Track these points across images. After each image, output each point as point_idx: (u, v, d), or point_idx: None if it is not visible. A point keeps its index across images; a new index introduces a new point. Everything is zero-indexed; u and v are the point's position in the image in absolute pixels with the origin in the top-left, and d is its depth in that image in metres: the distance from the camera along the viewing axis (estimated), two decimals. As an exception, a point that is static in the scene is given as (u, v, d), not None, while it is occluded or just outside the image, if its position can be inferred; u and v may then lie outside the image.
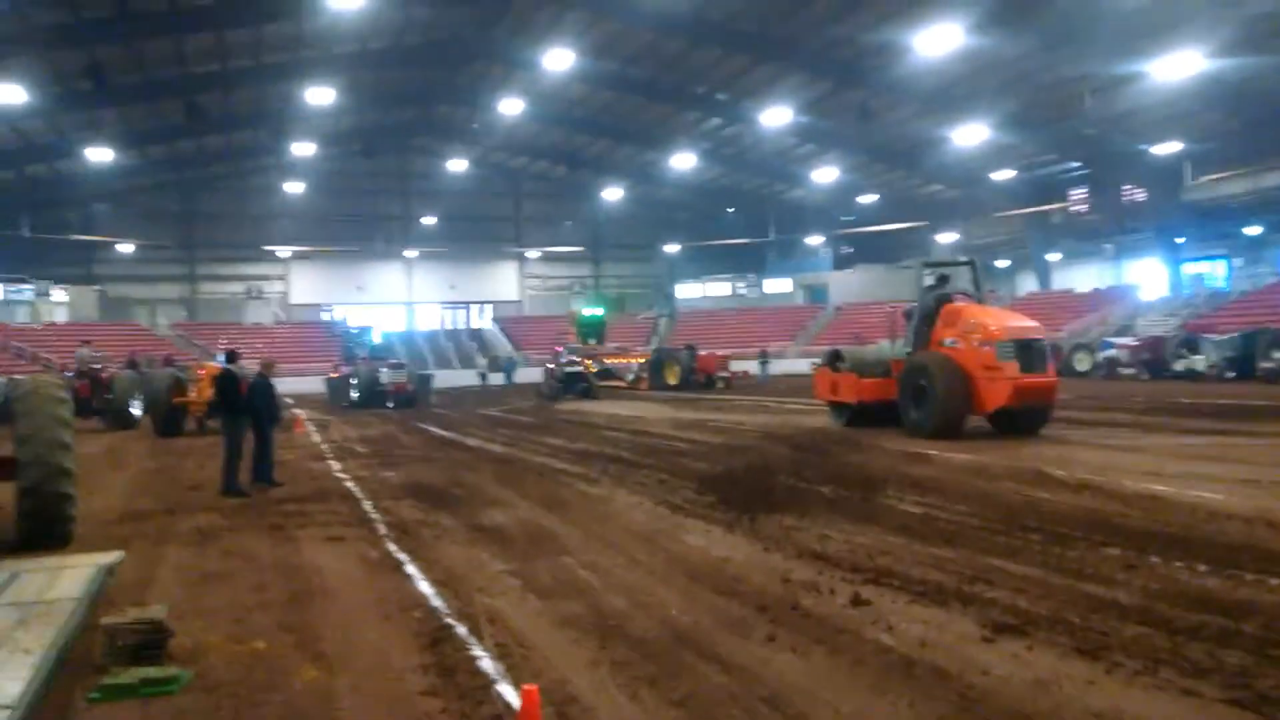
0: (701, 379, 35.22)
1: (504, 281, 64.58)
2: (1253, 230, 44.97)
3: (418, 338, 56.58)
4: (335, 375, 33.98)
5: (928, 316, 15.63)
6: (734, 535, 8.13)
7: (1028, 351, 14.24)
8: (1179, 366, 29.23)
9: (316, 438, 19.58)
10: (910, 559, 6.97)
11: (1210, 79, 32.78)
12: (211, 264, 57.64)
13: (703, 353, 37.16)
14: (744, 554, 7.42)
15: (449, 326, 61.65)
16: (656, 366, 36.92)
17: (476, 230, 60.49)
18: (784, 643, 5.22)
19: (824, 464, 11.87)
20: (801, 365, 42.31)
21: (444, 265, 61.49)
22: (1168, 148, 39.41)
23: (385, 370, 30.48)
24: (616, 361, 40.63)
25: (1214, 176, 40.76)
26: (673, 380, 35.54)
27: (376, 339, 41.43)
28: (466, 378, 44.59)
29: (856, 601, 5.90)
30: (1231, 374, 27.12)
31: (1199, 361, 28.64)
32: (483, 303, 63.69)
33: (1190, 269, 47.11)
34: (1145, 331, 36.95)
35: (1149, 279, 47.65)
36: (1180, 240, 45.05)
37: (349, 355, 36.52)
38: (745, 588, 6.39)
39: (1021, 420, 14.54)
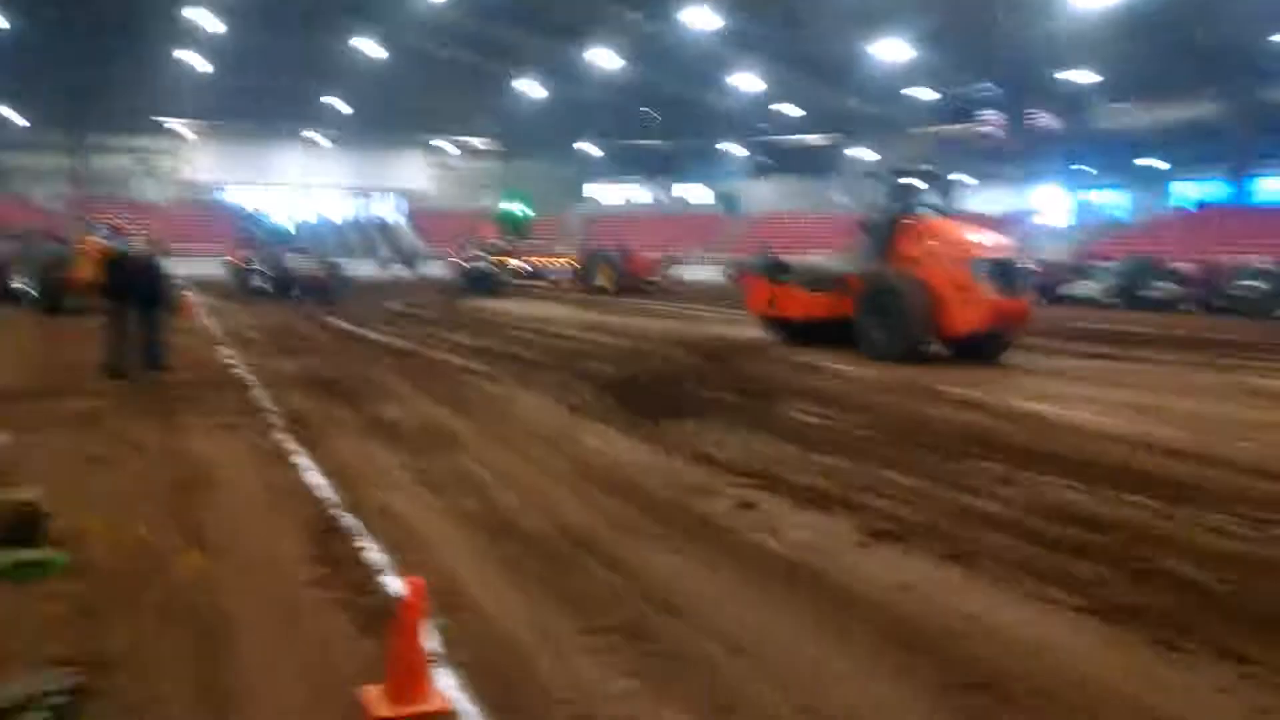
0: (633, 282, 34.42)
1: (413, 172, 62.75)
2: (1153, 162, 46.42)
3: (320, 225, 54.84)
4: (236, 261, 31.99)
5: (891, 229, 14.34)
6: (632, 439, 8.22)
7: (1004, 272, 13.39)
8: (1071, 292, 30.34)
9: (210, 323, 18.99)
10: (801, 467, 7.16)
11: (1124, 8, 33.27)
12: (100, 134, 54.43)
13: (634, 254, 36.30)
14: (641, 457, 7.52)
15: (353, 216, 59.86)
16: (587, 268, 36.02)
17: (385, 117, 58.16)
18: (672, 544, 5.34)
19: (726, 372, 12.03)
20: (710, 272, 42.68)
21: (350, 151, 59.34)
22: (1078, 75, 40.11)
23: (297, 258, 28.70)
24: (543, 261, 39.75)
25: (1118, 106, 41.75)
26: (603, 283, 34.65)
27: (287, 225, 38.75)
28: (370, 269, 43.58)
29: (745, 506, 6.06)
30: (1120, 301, 28.25)
31: (1090, 288, 29.76)
32: (389, 191, 61.89)
33: (1091, 197, 48.56)
34: (1044, 257, 38.13)
35: (1052, 205, 48.96)
36: (1083, 168, 46.25)
37: (250, 240, 34.16)
38: (639, 490, 6.49)
39: (985, 346, 13.62)
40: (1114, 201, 48.57)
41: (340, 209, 59.95)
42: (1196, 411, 9.83)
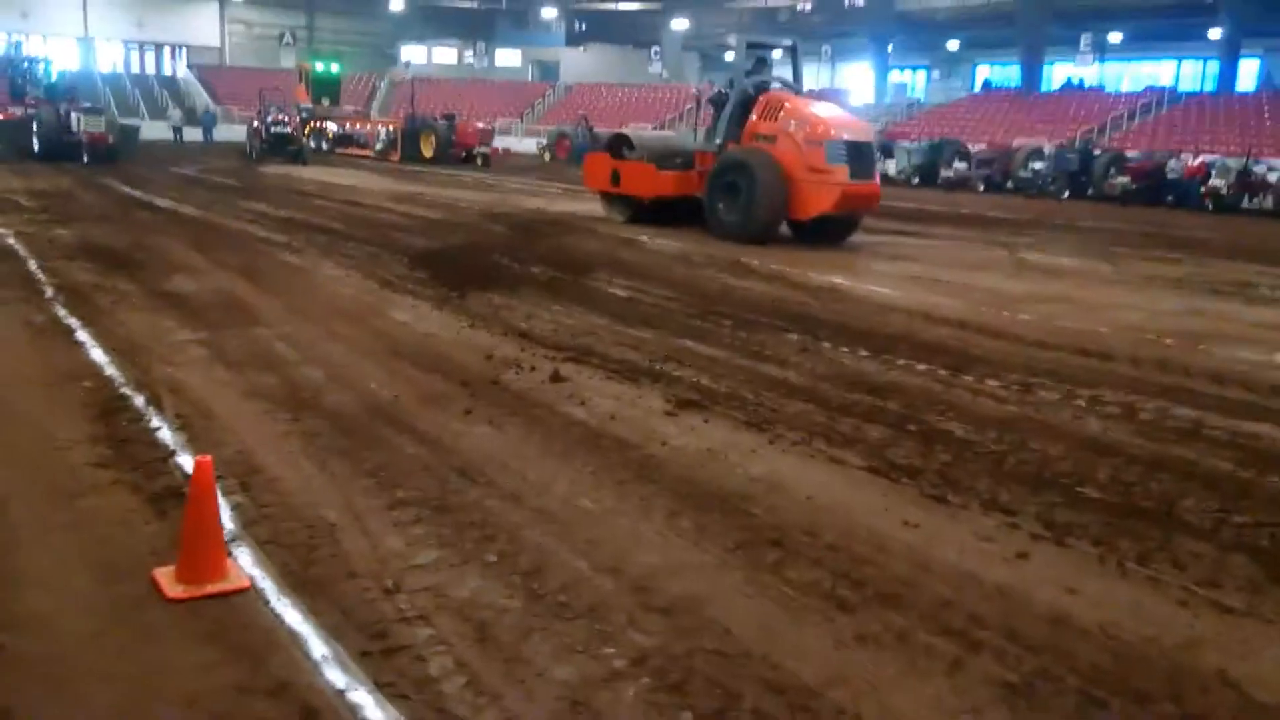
0: (460, 153, 32.40)
1: (202, 24, 57.33)
2: (952, 45, 48.18)
3: (98, 80, 49.78)
4: (4, 118, 28.05)
5: (743, 106, 13.73)
6: (442, 312, 8.08)
7: (858, 155, 13.06)
8: (873, 170, 31.48)
9: (-30, 187, 17.15)
10: (611, 339, 7.25)
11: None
12: None
13: (463, 123, 34.30)
14: (451, 331, 7.42)
15: (136, 71, 54.57)
16: (411, 136, 33.42)
17: (171, -38, 52.98)
18: (481, 416, 5.33)
19: (537, 245, 11.92)
20: (528, 144, 41.70)
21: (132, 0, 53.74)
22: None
23: (79, 116, 25.22)
24: (362, 126, 37.15)
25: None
26: (428, 153, 32.54)
27: (55, 75, 32.96)
28: (158, 130, 40.00)
29: (555, 378, 6.10)
30: (917, 180, 29.56)
31: (890, 166, 30.97)
32: (176, 45, 56.61)
33: (895, 78, 50.10)
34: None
35: (859, 84, 50.23)
36: (889, 48, 47.48)
37: (19, 93, 29.99)
38: (448, 364, 6.42)
39: (833, 230, 13.42)
40: (911, 82, 50.34)
41: (119, 62, 54.49)
42: (978, 284, 10.54)
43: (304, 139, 32.18)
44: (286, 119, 30.82)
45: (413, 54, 59.16)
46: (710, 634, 3.19)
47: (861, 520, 4.13)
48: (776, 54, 15.87)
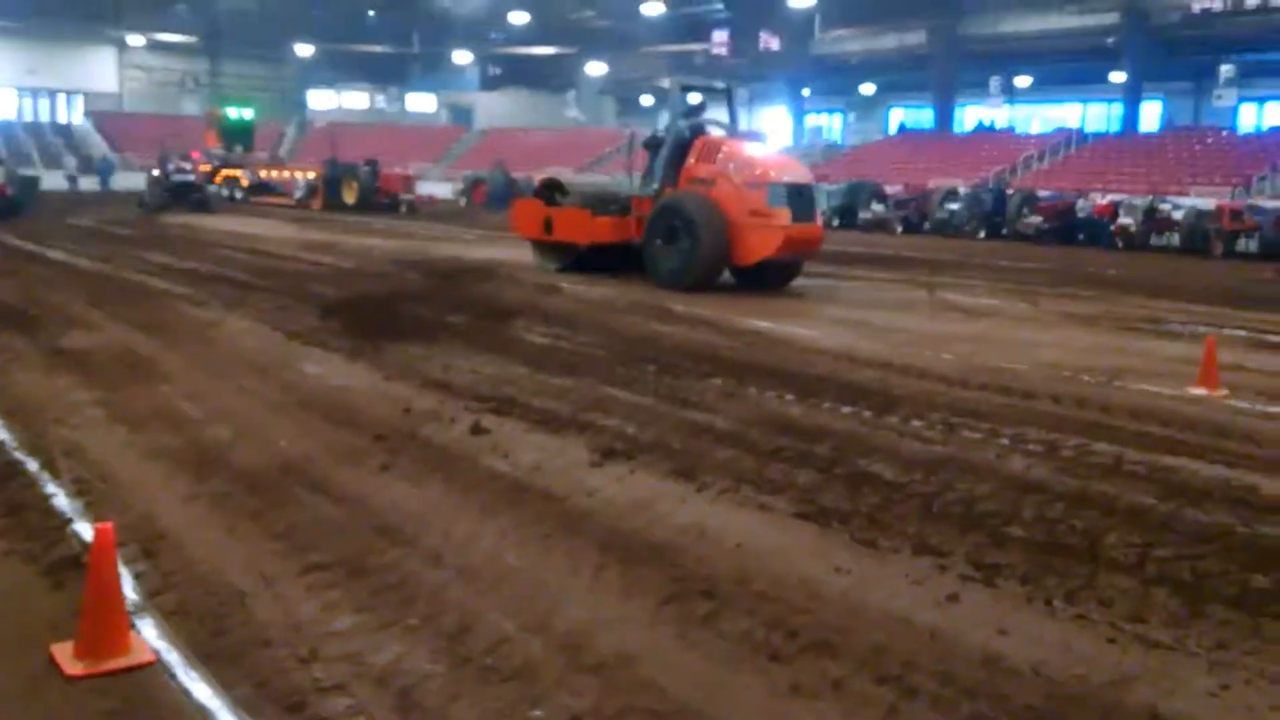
0: (384, 200, 31.80)
1: (99, 70, 55.80)
2: (867, 88, 49.58)
3: (-11, 128, 48.04)
4: None
5: (680, 149, 13.45)
6: (356, 364, 7.87)
7: (799, 198, 12.85)
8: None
9: None
10: (533, 389, 7.13)
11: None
12: None
13: (387, 170, 33.59)
14: (365, 383, 7.22)
15: (28, 119, 52.78)
16: (332, 183, 32.60)
17: (63, 4, 51.33)
18: (400, 472, 5.17)
19: (455, 293, 11.77)
20: (443, 189, 41.44)
21: (20, 43, 51.74)
22: (801, 1, 41.82)
23: None
24: (279, 174, 36.16)
25: (839, 33, 44.03)
26: (350, 199, 31.81)
27: None
28: (53, 180, 38.49)
29: (476, 430, 5.95)
30: (837, 222, 30.14)
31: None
32: (72, 92, 54.95)
33: (811, 120, 51.27)
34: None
35: (776, 128, 51.28)
36: (805, 92, 48.61)
37: None
38: (363, 418, 6.23)
39: (775, 274, 13.17)
40: (827, 125, 51.62)
41: (10, 110, 52.64)
42: (900, 325, 10.71)
43: (211, 187, 31.41)
44: (189, 166, 30.02)
45: (321, 99, 58.56)
46: (644, 691, 3.09)
47: (793, 567, 4.08)
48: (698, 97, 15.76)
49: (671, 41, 50.76)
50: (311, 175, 34.23)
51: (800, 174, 13.42)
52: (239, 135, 38.50)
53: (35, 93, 53.98)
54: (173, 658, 3.20)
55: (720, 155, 13.03)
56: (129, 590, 3.56)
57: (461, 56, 59.04)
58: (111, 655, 3.15)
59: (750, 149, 13.78)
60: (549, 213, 14.51)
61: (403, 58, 58.07)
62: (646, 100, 57.36)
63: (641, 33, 50.88)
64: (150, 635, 3.33)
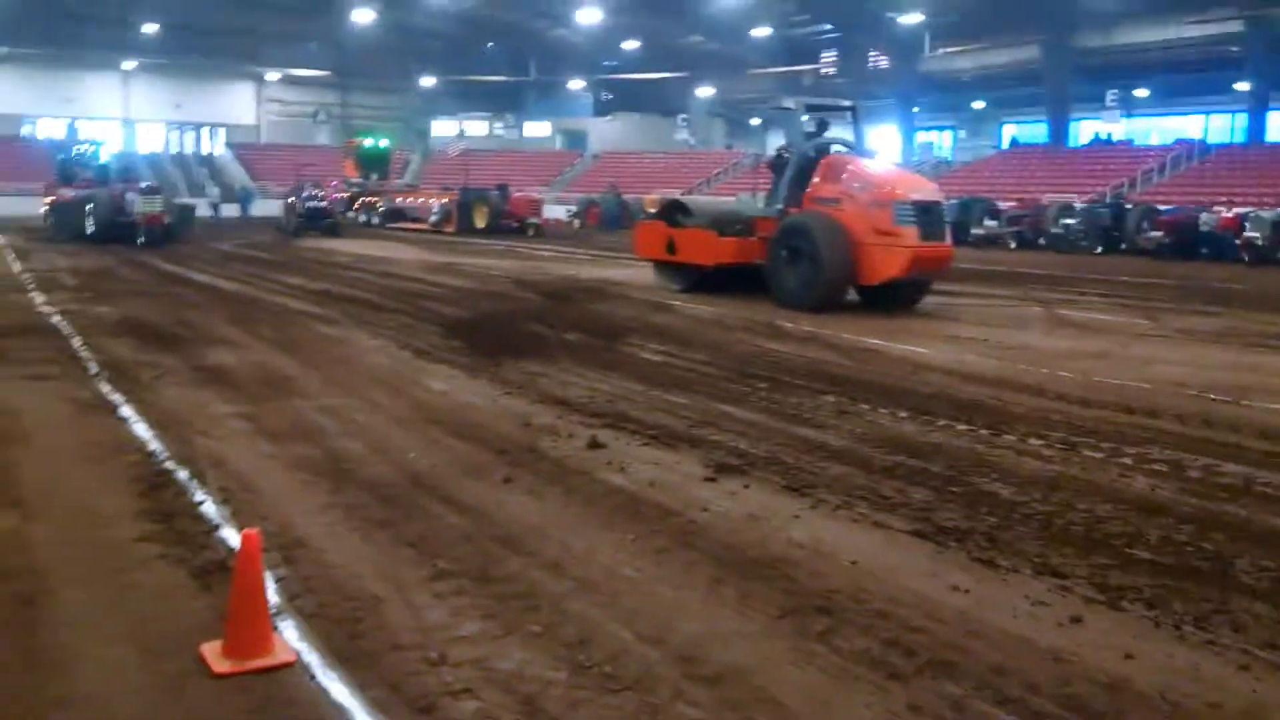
0: (513, 223, 31.94)
1: (239, 104, 59.06)
2: (977, 104, 48.54)
3: (139, 160, 51.17)
4: (56, 199, 27.27)
5: (805, 168, 13.40)
6: (477, 381, 8.13)
7: (928, 216, 12.57)
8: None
9: (16, 267, 17.60)
10: (647, 404, 7.25)
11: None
12: (-118, 59, 49.05)
13: (515, 194, 34.00)
14: (486, 399, 7.45)
15: (175, 150, 56.07)
16: (464, 208, 32.93)
17: (208, 43, 54.38)
18: (520, 485, 5.34)
19: (571, 312, 12.02)
20: (557, 212, 42.17)
21: (169, 80, 55.24)
22: (911, 18, 41.33)
23: (135, 197, 23.93)
24: (413, 199, 36.78)
25: (949, 49, 43.33)
26: (481, 224, 32.09)
27: (105, 158, 31.67)
28: (197, 209, 40.87)
29: (593, 445, 6.09)
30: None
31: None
32: (214, 125, 58.22)
33: (921, 137, 50.46)
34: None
35: (885, 145, 50.64)
36: (915, 109, 47.92)
37: (68, 176, 28.94)
38: (486, 432, 6.44)
39: (902, 294, 12.88)
40: (938, 142, 50.71)
41: (159, 143, 56.01)
42: (1014, 342, 10.47)
43: (343, 214, 32.32)
44: (321, 194, 31.26)
45: (443, 128, 60.46)
46: (760, 705, 3.13)
47: (909, 585, 4.06)
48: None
49: (779, 63, 50.69)
50: (445, 200, 34.61)
51: (929, 191, 13.11)
52: (375, 163, 39.76)
53: (182, 126, 57.43)
54: (312, 659, 3.38)
55: (845, 174, 12.90)
56: (271, 593, 3.77)
57: (575, 84, 60.19)
58: (255, 655, 3.35)
59: (876, 167, 13.60)
60: (672, 234, 14.59)
61: (520, 86, 59.53)
62: (755, 121, 57.42)
63: (750, 55, 50.95)
64: (291, 637, 3.53)
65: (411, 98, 61.97)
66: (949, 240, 13.29)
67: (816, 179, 13.15)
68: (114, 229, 23.40)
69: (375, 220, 35.95)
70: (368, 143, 40.26)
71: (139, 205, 23.52)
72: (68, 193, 27.10)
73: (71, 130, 32.57)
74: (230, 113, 58.41)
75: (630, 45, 54.44)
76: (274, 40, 56.93)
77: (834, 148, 13.93)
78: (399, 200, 36.82)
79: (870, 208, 12.46)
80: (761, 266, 13.42)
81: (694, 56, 54.95)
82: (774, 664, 3.41)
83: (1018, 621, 3.75)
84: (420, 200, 36.28)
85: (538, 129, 60.93)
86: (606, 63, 57.61)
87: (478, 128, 60.88)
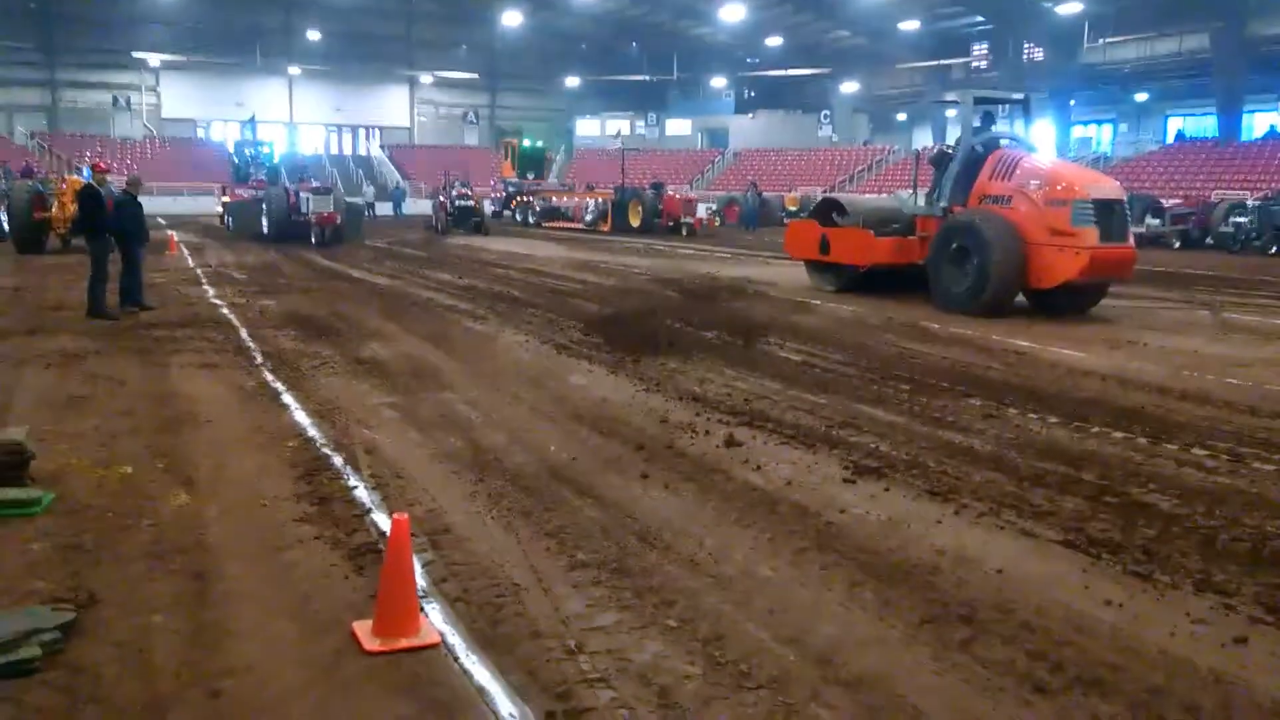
0: (667, 223, 31.56)
1: (394, 106, 61.62)
2: (1140, 97, 46.08)
3: (301, 161, 53.92)
4: (233, 199, 28.51)
5: (971, 165, 12.76)
6: (617, 376, 8.23)
7: (1109, 215, 11.71)
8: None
9: (190, 262, 18.81)
10: (785, 404, 7.19)
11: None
12: (74, 70, 53.05)
13: (669, 193, 33.89)
14: (625, 395, 7.54)
15: (334, 151, 58.83)
16: (619, 207, 32.84)
17: (365, 49, 57.03)
18: (657, 480, 5.38)
19: (710, 310, 12.01)
20: (699, 210, 42.16)
21: (329, 85, 58.15)
22: (1069, 8, 39.57)
23: (308, 197, 24.17)
24: (564, 199, 37.29)
25: (1110, 40, 41.30)
26: (635, 223, 31.90)
27: (275, 158, 32.35)
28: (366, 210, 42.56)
29: (730, 443, 6.09)
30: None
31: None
32: (370, 127, 60.84)
33: (1078, 132, 48.24)
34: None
35: (1040, 140, 48.60)
36: (1072, 102, 45.87)
37: (242, 176, 30.14)
38: (624, 427, 6.52)
39: (1075, 299, 12.13)
40: (1096, 136, 48.36)
41: (319, 144, 58.86)
42: (1178, 347, 9.90)
43: (500, 213, 32.45)
44: (469, 193, 32.11)
45: (587, 127, 61.40)
46: (898, 712, 3.08)
47: (1058, 597, 3.90)
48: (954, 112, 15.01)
49: (926, 57, 49.34)
50: (601, 200, 34.67)
51: (1110, 188, 12.21)
52: (532, 163, 40.08)
53: (340, 128, 60.30)
54: (455, 641, 3.51)
55: (1018, 171, 12.23)
56: (418, 577, 3.92)
57: (717, 82, 60.14)
58: (404, 635, 3.50)
59: (1053, 163, 12.83)
60: (826, 233, 14.21)
61: (662, 85, 59.90)
62: (901, 117, 56.07)
63: (895, 50, 49.80)
64: (436, 619, 3.67)
65: (556, 98, 63.23)
66: (1132, 241, 12.40)
67: (985, 176, 12.50)
68: (289, 228, 23.89)
69: (531, 219, 36.38)
70: (525, 143, 40.44)
71: (312, 205, 23.82)
72: (243, 193, 28.21)
73: (252, 127, 32.95)
74: (385, 115, 61.01)
75: (773, 42, 54.02)
76: (427, 45, 59.16)
77: (1002, 142, 13.20)
78: (554, 200, 37.29)
79: (1046, 206, 11.74)
80: (921, 268, 12.91)
81: (838, 52, 54.12)
82: (914, 671, 3.33)
83: (1176, 640, 3.56)
84: (575, 200, 36.63)
85: (679, 127, 61.12)
86: (749, 60, 57.36)
87: (620, 126, 61.50)
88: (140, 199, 12.09)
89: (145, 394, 7.37)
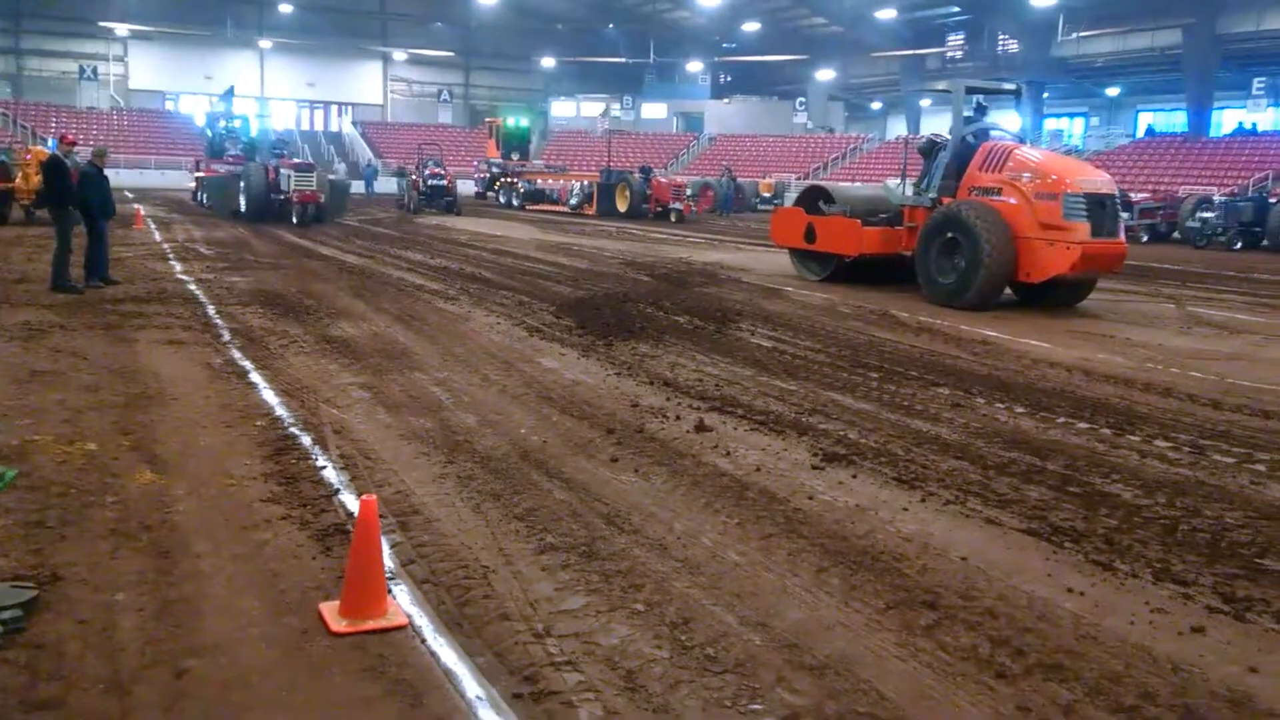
0: (655, 208, 31.12)
1: (367, 83, 60.93)
2: (1112, 91, 46.46)
3: (271, 136, 53.12)
4: (207, 174, 27.51)
5: (962, 156, 12.65)
6: (589, 360, 8.23)
7: (1101, 209, 11.64)
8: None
9: (158, 237, 18.56)
10: (755, 390, 7.23)
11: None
12: (40, 38, 52.02)
13: (658, 178, 33.23)
14: (597, 378, 7.54)
15: (305, 127, 58.12)
16: (606, 190, 32.41)
17: (339, 23, 56.29)
18: (627, 464, 5.39)
19: (683, 295, 12.04)
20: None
21: (301, 59, 57.38)
22: (1045, 1, 39.79)
23: (289, 174, 22.97)
24: (549, 181, 36.72)
25: (1084, 34, 41.59)
26: (622, 207, 31.53)
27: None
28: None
29: (700, 428, 6.11)
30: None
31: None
32: (343, 104, 60.15)
33: (1050, 124, 48.62)
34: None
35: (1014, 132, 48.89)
36: (1045, 95, 46.17)
37: (217, 150, 29.05)
38: (595, 411, 6.52)
39: (1063, 293, 12.14)
40: (1068, 130, 48.78)
41: (290, 120, 58.07)
42: (1143, 340, 10.03)
43: (489, 193, 31.69)
44: (441, 172, 31.80)
45: (562, 109, 61.08)
46: (863, 696, 3.11)
47: (1021, 585, 3.96)
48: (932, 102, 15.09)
49: (902, 46, 49.48)
50: (587, 182, 34.11)
51: (1102, 182, 12.01)
52: (516, 144, 38.80)
53: (312, 104, 59.56)
54: (423, 623, 3.51)
55: (1009, 162, 12.10)
56: (386, 558, 3.92)
57: (693, 66, 60.00)
58: (371, 616, 3.49)
59: (1045, 155, 12.75)
60: (812, 221, 14.03)
61: (638, 68, 59.70)
62: (876, 105, 56.21)
63: (872, 38, 49.87)
64: (404, 600, 3.66)
65: (532, 79, 62.81)
66: (1123, 236, 12.33)
67: (975, 167, 12.40)
68: (268, 207, 22.91)
69: (515, 201, 35.69)
70: (510, 121, 39.16)
71: (294, 183, 22.64)
72: (219, 168, 27.16)
73: (229, 99, 31.39)
74: (358, 91, 60.33)
75: (750, 27, 53.94)
76: (401, 21, 58.48)
77: (993, 133, 13.05)
78: (539, 182, 36.68)
79: (1036, 199, 11.65)
80: (908, 259, 12.81)
81: (814, 39, 54.15)
82: (878, 656, 3.37)
83: (1136, 628, 3.62)
84: (560, 182, 36.02)
85: (655, 110, 60.98)
86: (725, 45, 57.26)
87: (596, 108, 61.25)
88: (106, 172, 11.91)
89: (110, 370, 7.28)
